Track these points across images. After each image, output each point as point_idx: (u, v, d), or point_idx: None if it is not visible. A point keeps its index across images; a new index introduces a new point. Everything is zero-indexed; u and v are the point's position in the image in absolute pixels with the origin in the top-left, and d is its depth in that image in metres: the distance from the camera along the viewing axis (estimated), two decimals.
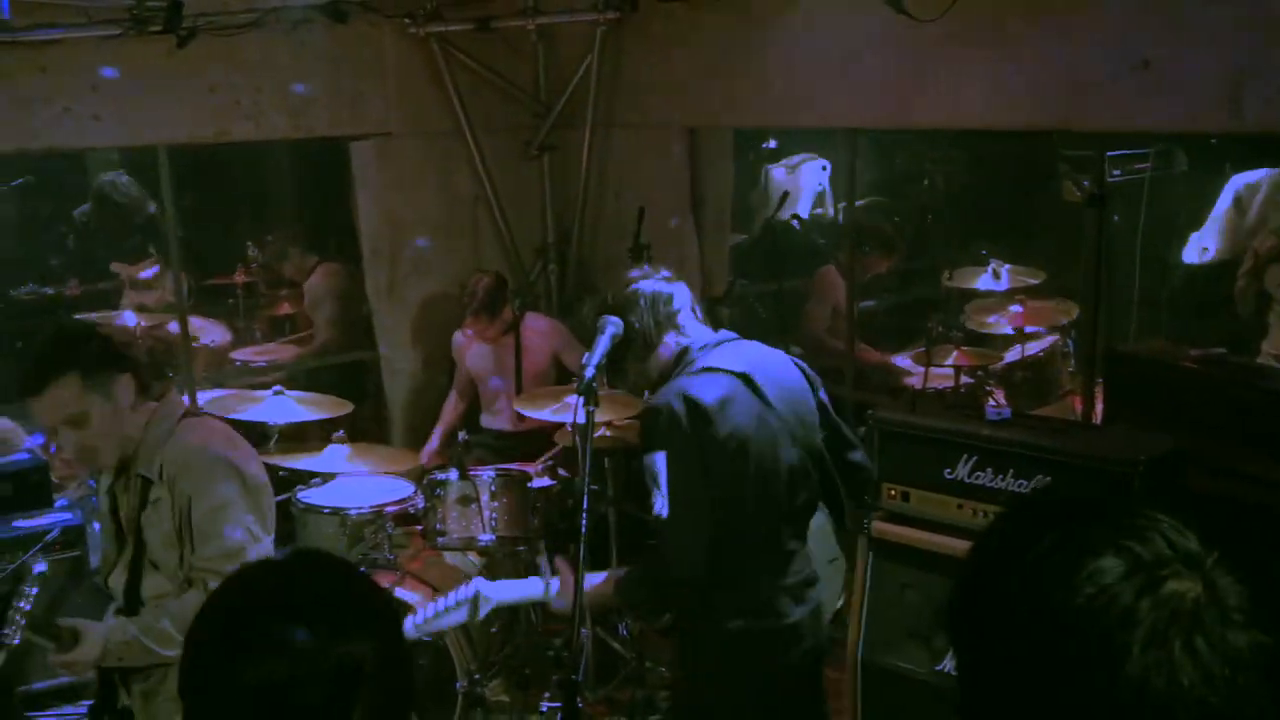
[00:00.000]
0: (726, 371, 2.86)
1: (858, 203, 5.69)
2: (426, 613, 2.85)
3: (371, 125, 5.67)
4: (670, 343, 2.95)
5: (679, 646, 3.20)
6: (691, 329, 2.98)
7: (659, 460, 2.73)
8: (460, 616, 2.88)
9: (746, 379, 2.87)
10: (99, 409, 2.78)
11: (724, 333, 3.05)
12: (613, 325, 2.83)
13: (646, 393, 3.05)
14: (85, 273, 6.49)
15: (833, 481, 3.10)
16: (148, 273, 6.48)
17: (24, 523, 4.66)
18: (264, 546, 2.87)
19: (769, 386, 2.90)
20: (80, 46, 4.69)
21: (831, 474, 3.09)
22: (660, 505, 2.73)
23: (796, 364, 3.11)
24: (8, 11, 4.25)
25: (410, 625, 2.83)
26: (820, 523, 3.38)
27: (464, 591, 2.88)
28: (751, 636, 2.91)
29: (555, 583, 2.86)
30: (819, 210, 7.02)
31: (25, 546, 4.56)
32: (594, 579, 2.86)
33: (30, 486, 4.84)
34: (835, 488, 3.11)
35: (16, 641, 2.80)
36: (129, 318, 5.99)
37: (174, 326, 5.77)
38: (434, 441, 5.64)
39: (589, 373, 2.69)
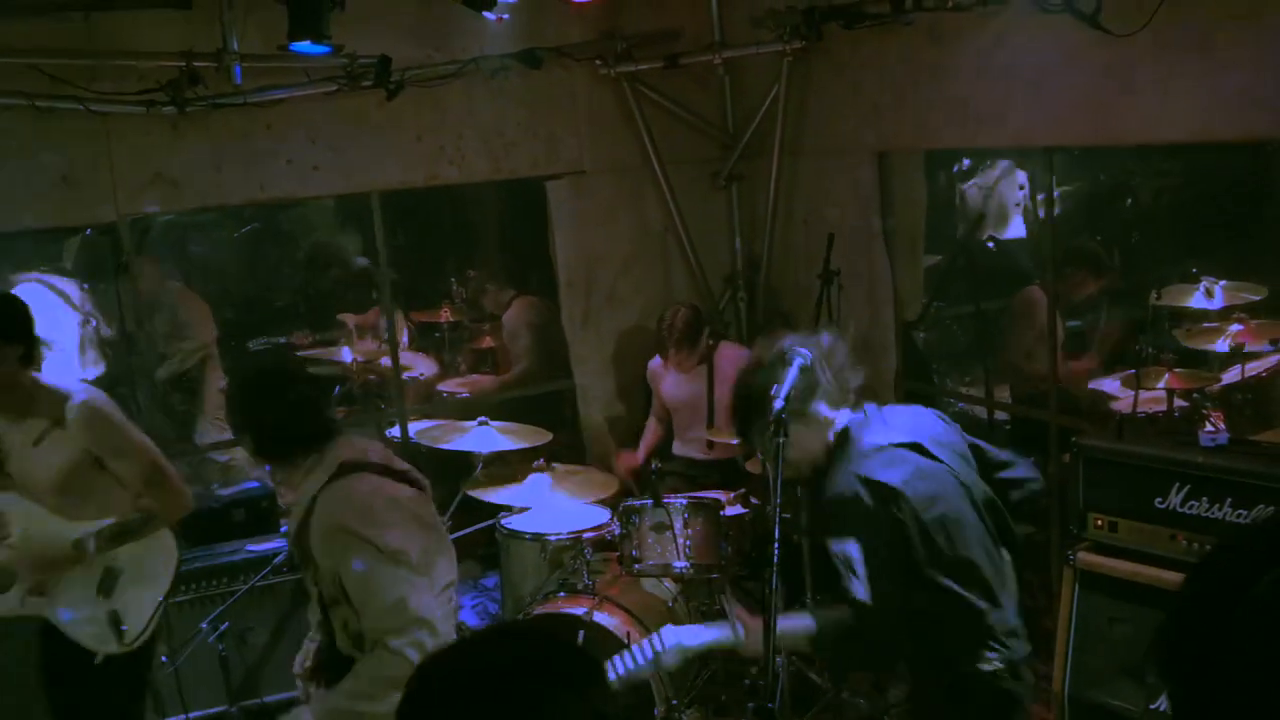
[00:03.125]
0: (898, 445, 2.79)
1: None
2: (623, 665, 2.86)
3: (566, 164, 5.88)
4: (827, 419, 2.85)
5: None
6: (841, 404, 2.87)
7: (852, 548, 2.70)
8: (652, 665, 2.86)
9: (919, 448, 2.80)
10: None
11: (865, 405, 2.92)
12: (800, 356, 2.81)
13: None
14: (315, 324, 6.99)
15: (1004, 517, 2.93)
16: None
17: (254, 547, 5.03)
18: (422, 585, 2.87)
19: (936, 447, 2.83)
20: (301, 104, 5.08)
21: (1003, 511, 2.93)
22: (860, 590, 2.69)
23: (937, 414, 3.03)
24: (240, 77, 4.65)
25: (611, 676, 2.82)
26: None
27: (655, 641, 2.87)
28: (1010, 675, 2.82)
29: (741, 628, 2.83)
30: (1015, 233, 6.82)
31: (256, 569, 4.92)
32: (789, 622, 2.81)
33: (259, 513, 5.22)
34: (1007, 522, 2.93)
35: None
36: (345, 354, 6.40)
37: (386, 361, 6.14)
38: (639, 454, 5.77)
39: (778, 403, 2.70)
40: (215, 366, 6.23)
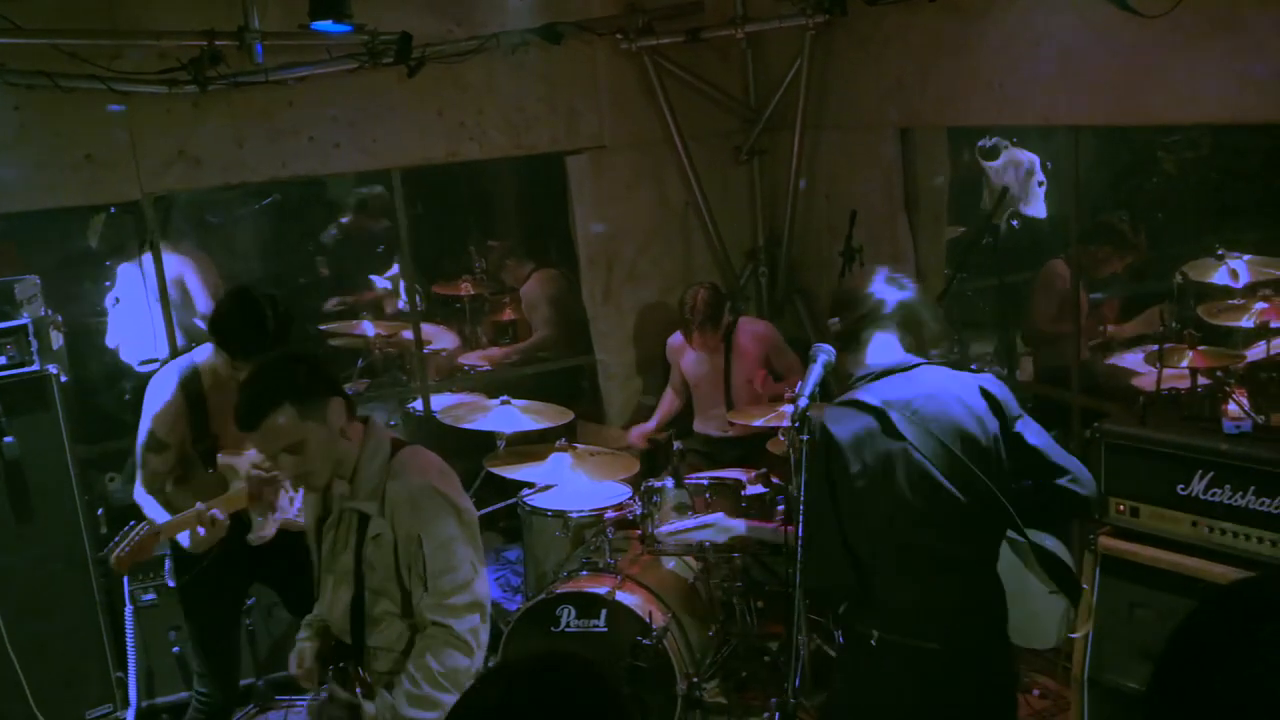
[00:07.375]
0: (864, 407, 2.80)
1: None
2: (676, 526, 3.95)
3: (586, 139, 5.87)
4: (858, 359, 2.93)
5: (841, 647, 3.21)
6: (873, 353, 2.91)
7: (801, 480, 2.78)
8: (706, 535, 3.83)
9: (881, 415, 2.78)
10: (315, 434, 2.82)
11: (902, 358, 2.90)
12: (824, 354, 2.85)
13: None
14: (338, 290, 6.99)
15: (1006, 511, 2.80)
16: (388, 276, 6.95)
17: None
18: (484, 579, 2.95)
19: (911, 422, 2.77)
20: (322, 81, 5.07)
21: (1004, 504, 2.80)
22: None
23: (985, 390, 2.89)
24: (261, 56, 4.64)
25: (666, 533, 4.09)
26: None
27: (708, 517, 3.85)
28: (889, 650, 2.85)
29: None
30: (1039, 209, 6.74)
31: None
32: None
33: None
34: (1010, 517, 2.81)
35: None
36: (367, 327, 6.42)
37: (407, 334, 6.16)
38: (650, 424, 5.83)
39: (803, 401, 2.72)
40: None
